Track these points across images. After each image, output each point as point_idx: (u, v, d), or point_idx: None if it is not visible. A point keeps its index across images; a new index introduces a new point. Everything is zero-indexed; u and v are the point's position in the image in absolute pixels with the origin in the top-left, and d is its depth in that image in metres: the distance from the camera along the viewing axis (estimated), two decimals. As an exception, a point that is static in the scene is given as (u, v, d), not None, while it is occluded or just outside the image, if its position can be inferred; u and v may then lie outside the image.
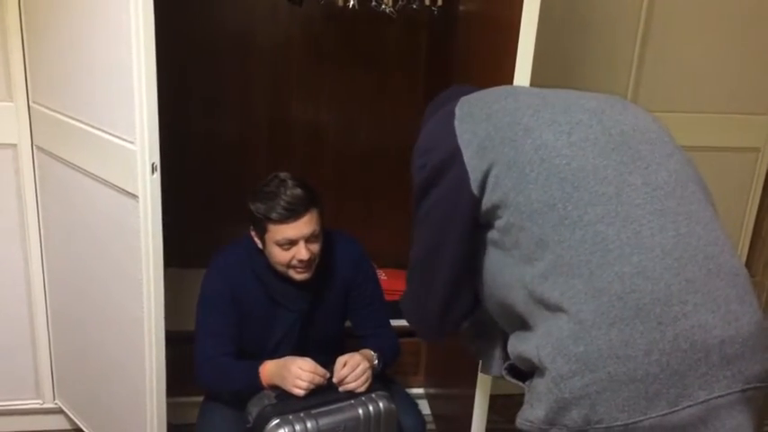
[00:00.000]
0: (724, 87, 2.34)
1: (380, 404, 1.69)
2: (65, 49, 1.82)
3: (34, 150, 2.02)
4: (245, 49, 2.46)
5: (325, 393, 1.69)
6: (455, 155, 1.16)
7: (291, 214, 1.69)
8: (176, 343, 1.83)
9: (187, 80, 2.39)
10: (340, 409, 1.67)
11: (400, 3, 2.17)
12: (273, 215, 1.69)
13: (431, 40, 2.48)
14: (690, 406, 0.99)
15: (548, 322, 1.07)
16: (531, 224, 1.09)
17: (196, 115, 2.45)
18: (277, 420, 1.61)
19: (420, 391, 2.46)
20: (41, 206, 2.08)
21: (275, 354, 1.84)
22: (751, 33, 2.30)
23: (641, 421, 0.99)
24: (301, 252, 1.72)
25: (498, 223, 1.15)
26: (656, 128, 1.18)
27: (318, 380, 1.68)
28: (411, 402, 1.95)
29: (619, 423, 1.00)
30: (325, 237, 1.82)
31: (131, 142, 1.64)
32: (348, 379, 1.70)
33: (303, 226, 1.71)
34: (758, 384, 1.03)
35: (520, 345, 1.14)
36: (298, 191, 1.71)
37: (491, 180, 1.14)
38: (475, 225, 1.19)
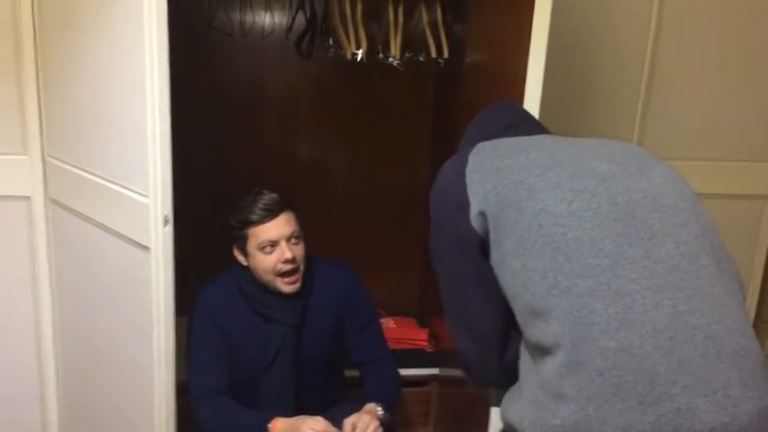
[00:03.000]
0: (730, 134, 2.36)
1: None
2: (80, 104, 1.85)
3: (48, 203, 2.05)
4: (254, 99, 2.51)
5: None
6: (463, 205, 1.16)
7: (269, 214, 1.76)
8: (186, 392, 1.82)
9: (196, 129, 2.42)
10: None
11: (407, 55, 2.22)
12: (252, 217, 1.76)
13: (437, 90, 2.52)
14: None
15: (535, 389, 1.05)
16: (524, 291, 1.07)
17: (205, 162, 2.47)
18: None
19: (430, 441, 2.43)
20: (53, 258, 2.09)
21: (270, 373, 1.82)
22: (756, 80, 2.33)
23: None
24: (285, 252, 1.75)
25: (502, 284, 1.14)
26: (673, 193, 1.12)
27: None
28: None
29: None
30: (314, 260, 1.87)
31: (145, 195, 1.66)
32: None
33: (282, 225, 1.77)
34: None
35: (507, 412, 1.12)
36: (273, 195, 1.80)
37: (492, 238, 1.13)
38: (486, 265, 1.16)
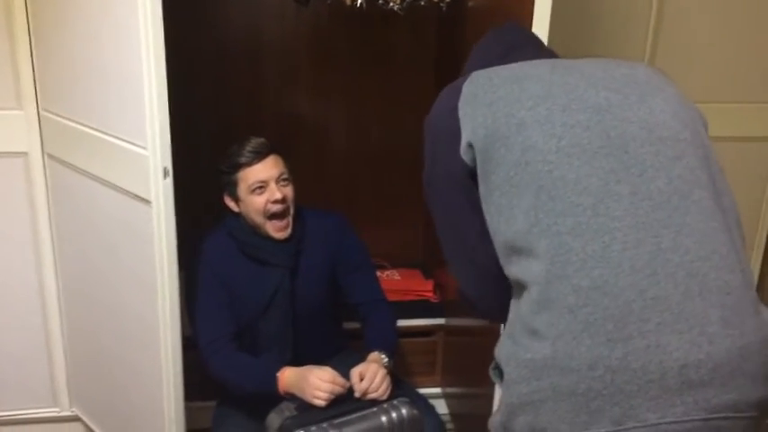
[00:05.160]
0: (737, 76, 2.31)
1: (403, 410, 1.67)
2: (74, 56, 1.81)
3: (45, 158, 2.02)
4: (252, 50, 2.46)
5: (346, 402, 1.67)
6: (456, 136, 1.14)
7: (257, 156, 1.80)
8: (193, 346, 1.82)
9: (195, 82, 2.38)
10: (363, 418, 1.65)
11: (407, 0, 2.16)
12: (242, 159, 1.80)
13: (440, 36, 2.47)
14: (636, 427, 0.95)
15: (513, 324, 1.07)
16: (507, 228, 1.06)
17: (205, 116, 2.44)
18: None
19: (437, 390, 2.44)
20: (54, 214, 2.08)
21: (267, 317, 1.85)
22: (763, 21, 2.27)
23: None
24: (275, 192, 1.79)
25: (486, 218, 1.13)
26: (674, 123, 1.08)
27: (338, 390, 1.67)
28: (427, 405, 1.93)
29: None
30: (305, 210, 1.92)
31: (143, 147, 1.63)
32: (370, 390, 1.69)
33: (271, 166, 1.81)
34: (730, 414, 0.95)
35: (496, 345, 1.13)
36: (260, 138, 1.84)
37: (479, 171, 1.12)
38: (478, 195, 1.15)
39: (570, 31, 2.09)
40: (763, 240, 2.47)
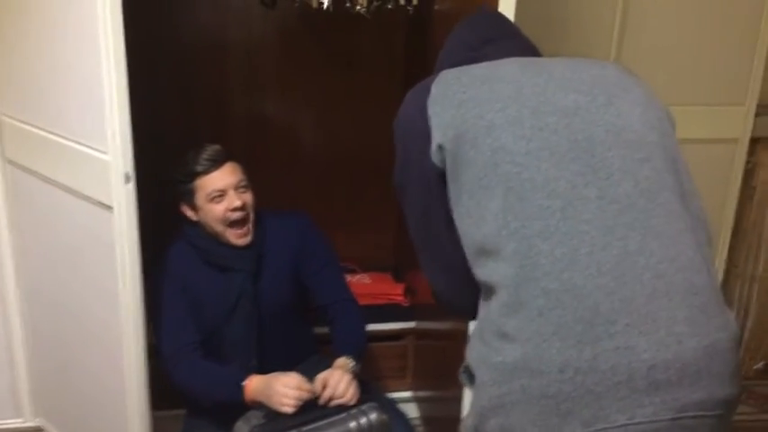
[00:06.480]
0: (701, 79, 2.33)
1: (372, 416, 1.65)
2: (33, 61, 1.78)
3: (4, 164, 1.98)
4: (218, 53, 2.43)
5: (314, 408, 1.66)
6: (427, 137, 1.13)
7: (214, 164, 1.78)
8: (156, 355, 1.79)
9: (160, 85, 2.35)
10: (331, 424, 1.63)
11: (375, 3, 2.15)
12: (198, 168, 1.78)
13: (407, 40, 2.47)
14: (606, 429, 0.95)
15: (483, 326, 1.07)
16: (476, 230, 1.06)
17: (170, 120, 2.41)
18: None
19: (408, 394, 2.43)
20: (14, 221, 2.03)
21: (231, 322, 1.84)
22: (727, 24, 2.29)
23: None
24: (234, 200, 1.78)
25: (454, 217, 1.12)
26: (640, 126, 1.09)
27: (305, 395, 1.65)
28: (397, 411, 1.92)
29: None
30: (266, 213, 1.89)
31: (104, 152, 1.61)
32: (334, 397, 1.67)
33: (228, 174, 1.79)
34: (698, 413, 0.96)
35: (468, 349, 1.12)
36: (216, 146, 1.82)
37: (449, 173, 1.11)
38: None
39: (534, 35, 2.10)
40: (727, 242, 2.51)
